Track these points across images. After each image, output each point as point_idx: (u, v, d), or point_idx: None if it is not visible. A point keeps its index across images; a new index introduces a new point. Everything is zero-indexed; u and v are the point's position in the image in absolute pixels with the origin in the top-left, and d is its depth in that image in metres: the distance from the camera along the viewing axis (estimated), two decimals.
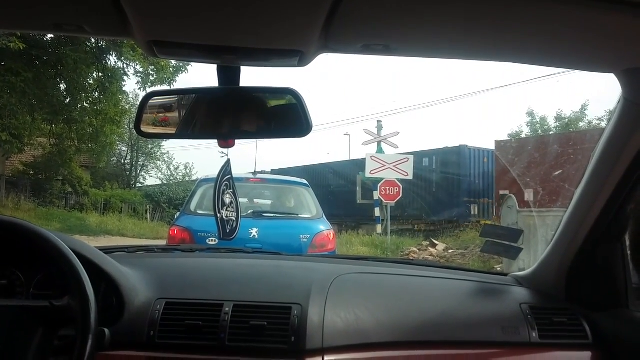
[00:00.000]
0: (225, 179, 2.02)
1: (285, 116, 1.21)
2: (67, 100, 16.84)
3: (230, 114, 1.21)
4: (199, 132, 1.29)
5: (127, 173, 33.08)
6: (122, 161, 33.07)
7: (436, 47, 1.07)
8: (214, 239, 5.28)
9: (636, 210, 1.43)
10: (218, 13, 0.89)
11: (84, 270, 1.26)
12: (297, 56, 1.03)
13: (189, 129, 1.28)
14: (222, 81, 1.14)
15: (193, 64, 16.43)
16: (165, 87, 13.66)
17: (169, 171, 33.38)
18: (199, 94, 1.27)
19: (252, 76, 1.21)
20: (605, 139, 1.35)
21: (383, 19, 0.92)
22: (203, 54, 1.06)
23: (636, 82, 1.19)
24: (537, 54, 1.09)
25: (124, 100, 17.34)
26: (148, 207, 23.88)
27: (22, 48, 13.31)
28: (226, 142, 1.25)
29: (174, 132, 1.28)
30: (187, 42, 1.01)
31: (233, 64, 1.11)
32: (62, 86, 16.69)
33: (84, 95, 16.84)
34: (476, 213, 14.90)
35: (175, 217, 7.03)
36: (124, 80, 17.01)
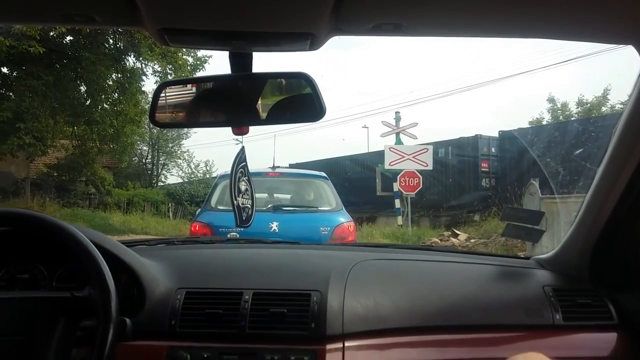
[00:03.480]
0: (240, 166, 2.02)
1: (298, 101, 1.21)
2: (88, 101, 17.10)
3: (244, 101, 1.21)
4: (213, 119, 1.29)
5: (149, 172, 33.46)
6: (144, 160, 33.47)
7: (448, 24, 1.05)
8: (234, 233, 5.31)
9: None
10: None
11: (104, 261, 1.28)
12: (308, 39, 1.02)
13: (202, 117, 1.28)
14: (234, 68, 1.14)
15: (210, 62, 16.67)
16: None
17: (189, 169, 33.74)
18: (212, 82, 1.27)
19: (265, 67, 1.21)
20: (627, 114, 1.32)
21: None
22: (214, 41, 1.06)
23: None
24: (553, 27, 1.06)
25: (143, 100, 17.54)
26: (170, 205, 24.11)
27: (42, 52, 13.54)
28: (240, 129, 1.25)
29: (188, 120, 1.29)
30: (198, 29, 1.00)
31: (244, 50, 1.11)
32: (82, 88, 16.97)
33: (103, 96, 17.09)
34: None
35: (197, 213, 7.09)
36: (142, 80, 17.28)
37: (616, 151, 1.38)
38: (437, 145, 15.64)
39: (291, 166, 18.37)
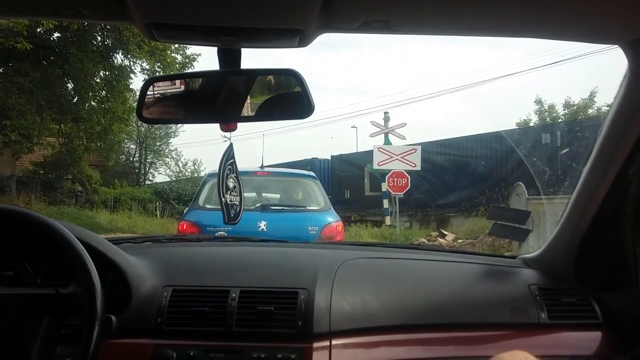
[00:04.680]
0: (229, 163, 2.02)
1: (287, 97, 1.21)
2: (75, 99, 16.95)
3: (232, 97, 1.20)
4: (201, 115, 1.29)
5: (136, 170, 33.27)
6: (131, 159, 33.23)
7: (437, 22, 1.05)
8: (222, 232, 5.29)
9: None
10: None
11: (90, 258, 1.26)
12: (297, 35, 1.02)
13: (190, 113, 1.27)
14: (223, 64, 1.14)
15: (199, 60, 16.59)
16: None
17: (177, 168, 33.59)
18: (200, 78, 1.26)
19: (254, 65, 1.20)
20: (612, 113, 1.33)
21: None
22: (202, 36, 1.06)
23: None
24: (540, 27, 1.07)
25: (131, 98, 17.39)
26: (157, 203, 23.96)
27: (29, 48, 13.40)
28: (228, 125, 1.24)
29: (175, 116, 1.28)
30: (186, 24, 1.00)
31: (233, 46, 1.10)
32: (70, 85, 16.82)
33: (91, 94, 16.93)
34: None
35: (184, 212, 7.06)
36: (130, 78, 17.15)
37: (601, 151, 1.39)
38: (541, 129, 14.00)
39: (333, 158, 18.71)
